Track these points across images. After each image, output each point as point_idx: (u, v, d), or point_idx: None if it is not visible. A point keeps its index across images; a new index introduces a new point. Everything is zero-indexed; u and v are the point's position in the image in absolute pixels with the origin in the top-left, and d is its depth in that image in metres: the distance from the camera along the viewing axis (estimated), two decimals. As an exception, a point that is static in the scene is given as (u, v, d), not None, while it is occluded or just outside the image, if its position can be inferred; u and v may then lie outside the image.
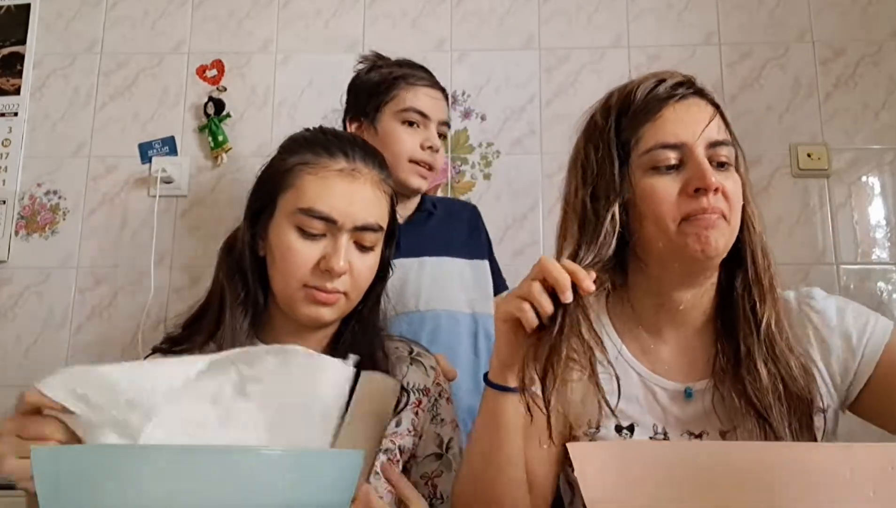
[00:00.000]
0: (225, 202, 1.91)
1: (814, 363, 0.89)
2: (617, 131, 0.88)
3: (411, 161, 1.37)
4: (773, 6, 1.93)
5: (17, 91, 1.99)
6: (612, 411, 0.87)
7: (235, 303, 0.98)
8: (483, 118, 1.93)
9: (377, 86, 1.42)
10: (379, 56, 1.50)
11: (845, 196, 1.84)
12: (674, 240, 0.84)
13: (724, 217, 0.84)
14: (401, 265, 1.28)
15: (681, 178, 0.84)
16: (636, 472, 0.45)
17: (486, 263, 1.50)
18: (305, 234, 0.94)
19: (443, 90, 1.47)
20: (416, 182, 1.38)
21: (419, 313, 1.36)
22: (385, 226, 0.99)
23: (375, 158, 1.00)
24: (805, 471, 0.41)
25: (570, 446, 0.50)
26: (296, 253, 0.93)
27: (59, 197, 1.94)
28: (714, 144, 0.85)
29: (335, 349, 1.00)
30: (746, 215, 0.89)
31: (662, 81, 0.88)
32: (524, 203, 1.87)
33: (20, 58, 2.01)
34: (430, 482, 0.96)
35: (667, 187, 0.85)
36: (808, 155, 1.84)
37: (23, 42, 2.02)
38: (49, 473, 0.55)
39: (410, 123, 1.38)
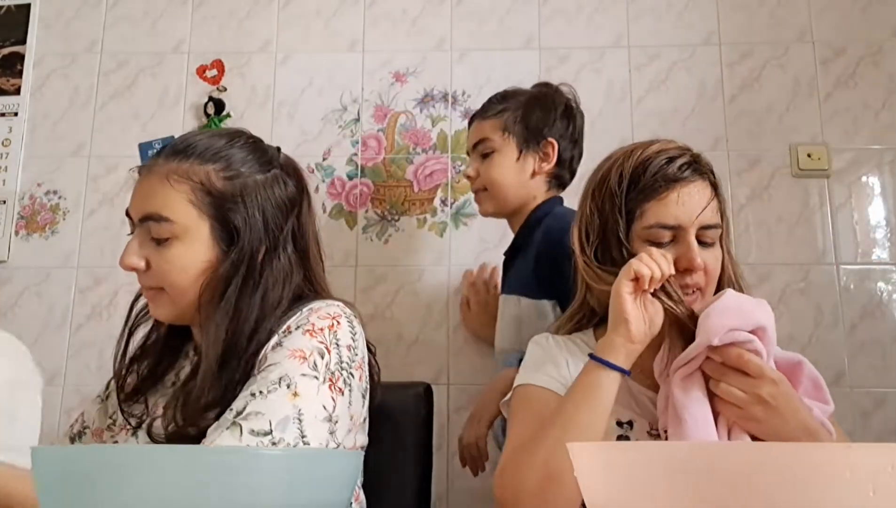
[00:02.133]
0: (225, 202, 1.91)
1: None
2: (625, 199, 0.99)
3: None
4: (773, 6, 1.93)
5: (17, 91, 1.99)
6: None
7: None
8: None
9: None
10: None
11: (845, 196, 1.84)
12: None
13: (701, 290, 0.98)
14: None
15: (671, 253, 0.96)
16: (636, 472, 0.45)
17: (538, 303, 1.40)
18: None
19: (479, 115, 1.54)
20: (480, 211, 1.57)
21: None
22: (183, 218, 0.93)
23: (171, 151, 0.98)
24: (805, 471, 0.41)
25: (569, 446, 0.50)
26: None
27: (59, 197, 1.94)
28: (705, 228, 0.98)
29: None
30: (725, 274, 1.02)
31: (673, 159, 0.99)
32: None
33: (20, 58, 2.01)
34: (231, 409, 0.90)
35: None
36: (808, 155, 1.84)
37: (23, 42, 2.02)
38: (49, 473, 0.55)
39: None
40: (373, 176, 1.92)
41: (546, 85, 1.54)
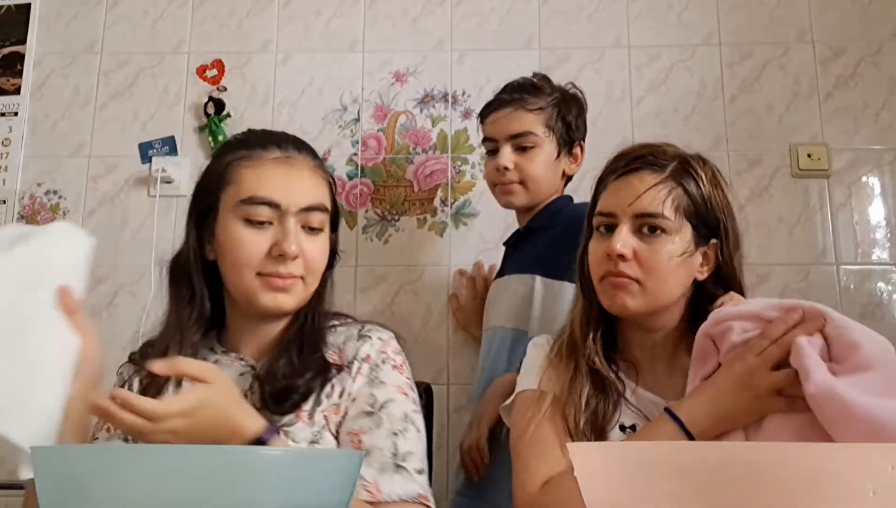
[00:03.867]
0: (225, 202, 1.91)
1: None
2: (594, 200, 1.04)
3: (494, 185, 1.49)
4: (773, 6, 1.93)
5: (17, 91, 1.99)
6: (625, 402, 0.98)
7: (181, 306, 1.01)
8: (483, 118, 1.93)
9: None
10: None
11: (845, 196, 1.84)
12: (599, 295, 1.00)
13: (639, 282, 0.96)
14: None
15: (607, 243, 0.98)
16: (636, 472, 0.45)
17: (556, 283, 1.40)
18: (252, 223, 0.95)
19: (516, 102, 1.46)
20: (501, 201, 1.50)
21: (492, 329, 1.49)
22: (329, 208, 1.01)
23: (307, 147, 1.04)
24: (804, 471, 0.41)
25: (570, 446, 0.50)
26: (245, 243, 0.95)
27: (59, 197, 1.94)
28: (643, 216, 0.96)
29: (289, 340, 1.01)
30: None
31: (625, 155, 1.02)
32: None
33: (20, 57, 2.01)
34: (355, 437, 0.95)
35: (596, 249, 1.00)
36: (808, 155, 1.84)
37: (23, 42, 2.02)
38: (49, 473, 0.55)
39: (490, 153, 1.50)
40: (373, 176, 1.92)
41: (546, 79, 1.52)
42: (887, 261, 1.81)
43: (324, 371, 0.97)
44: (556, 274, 1.38)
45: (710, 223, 0.99)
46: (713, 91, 1.90)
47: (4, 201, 1.93)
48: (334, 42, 2.00)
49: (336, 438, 0.97)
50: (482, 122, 1.52)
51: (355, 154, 1.93)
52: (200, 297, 1.01)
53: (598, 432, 0.96)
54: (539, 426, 0.97)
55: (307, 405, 0.96)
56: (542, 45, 1.96)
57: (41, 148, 1.97)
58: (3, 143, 1.97)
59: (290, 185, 0.97)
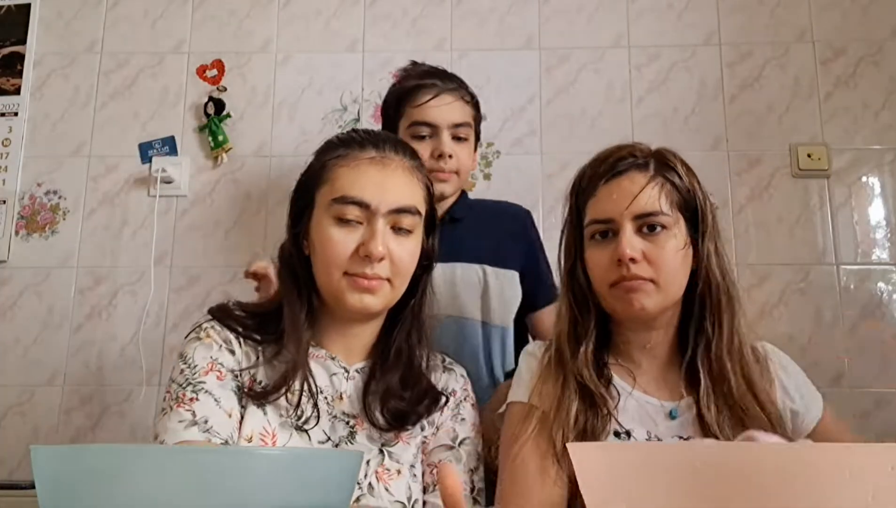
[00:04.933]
0: (225, 202, 1.91)
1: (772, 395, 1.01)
2: (577, 206, 1.03)
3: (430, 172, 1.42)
4: (773, 6, 1.93)
5: (17, 91, 1.99)
6: (615, 417, 0.97)
7: (293, 300, 0.99)
8: (483, 118, 1.92)
9: (389, 107, 1.49)
10: (404, 70, 1.52)
11: (845, 196, 1.84)
12: (608, 302, 0.99)
13: (653, 281, 0.95)
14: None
15: (611, 248, 0.97)
16: (636, 472, 0.45)
17: (513, 274, 1.46)
18: (342, 222, 0.95)
19: (456, 91, 1.44)
20: (437, 188, 1.40)
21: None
22: (423, 211, 1.00)
23: (406, 148, 1.03)
24: (804, 472, 0.41)
25: (570, 446, 0.50)
26: (334, 242, 0.94)
27: (59, 197, 1.94)
28: (642, 216, 0.96)
29: (378, 350, 1.02)
30: (705, 273, 0.99)
31: (605, 159, 1.00)
32: (524, 203, 1.85)
33: (20, 58, 2.01)
34: (435, 470, 1.00)
35: (600, 257, 0.98)
36: (808, 155, 1.84)
37: (23, 42, 2.02)
38: (49, 473, 0.55)
39: (421, 137, 1.42)
40: (373, 176, 1.91)
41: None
42: (887, 261, 1.81)
43: (436, 401, 1.01)
44: (504, 264, 1.45)
45: (694, 212, 0.99)
46: (713, 91, 1.90)
47: (4, 201, 1.93)
48: (334, 42, 2.00)
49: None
50: (410, 104, 1.44)
51: (355, 154, 1.93)
52: (308, 295, 1.00)
53: None
54: (523, 448, 0.96)
55: (414, 429, 1.00)
56: (542, 45, 1.96)
57: (41, 148, 1.97)
58: (3, 143, 1.97)
59: (383, 185, 0.96)
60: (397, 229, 0.96)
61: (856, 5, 1.92)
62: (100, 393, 1.82)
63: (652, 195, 0.96)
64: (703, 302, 0.99)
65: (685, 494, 0.43)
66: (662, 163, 0.99)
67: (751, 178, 1.85)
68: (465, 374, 1.09)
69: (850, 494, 0.40)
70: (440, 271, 1.38)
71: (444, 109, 1.42)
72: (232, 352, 0.96)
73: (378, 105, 1.95)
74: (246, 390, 0.94)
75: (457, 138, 1.43)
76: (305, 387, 0.95)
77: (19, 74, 2.00)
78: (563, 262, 1.05)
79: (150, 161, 1.93)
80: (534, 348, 1.08)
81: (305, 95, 1.97)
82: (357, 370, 1.01)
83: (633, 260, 0.94)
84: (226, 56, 1.99)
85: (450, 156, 1.40)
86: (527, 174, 1.89)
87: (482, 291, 1.43)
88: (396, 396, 0.97)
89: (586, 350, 1.00)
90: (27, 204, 1.94)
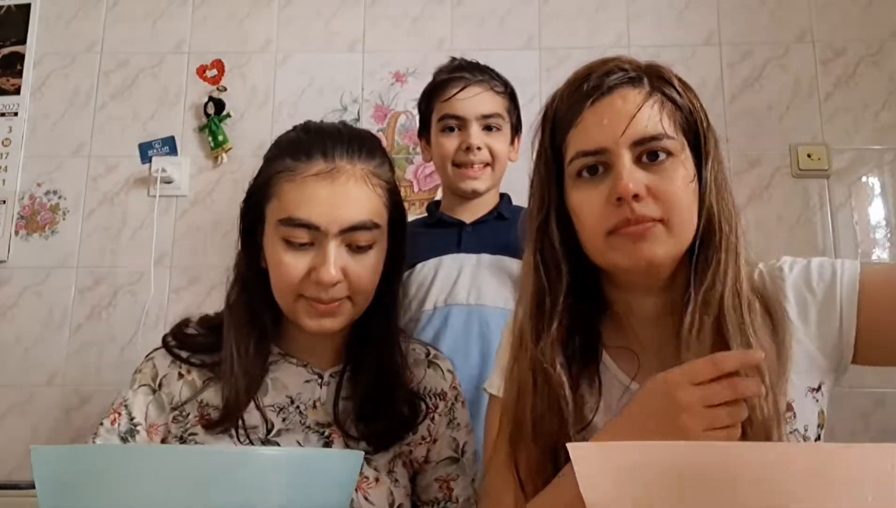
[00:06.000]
0: (225, 202, 1.91)
1: (796, 338, 0.79)
2: (552, 142, 0.82)
3: (454, 165, 1.40)
4: (774, 6, 1.93)
5: (17, 91, 1.99)
6: (588, 425, 0.79)
7: (239, 327, 0.93)
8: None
9: (422, 103, 1.47)
10: (440, 67, 1.48)
11: (845, 196, 1.84)
12: (605, 255, 0.78)
13: (663, 221, 0.75)
14: (457, 260, 1.38)
15: (605, 186, 0.76)
16: (636, 472, 0.45)
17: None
18: (291, 245, 0.88)
19: (484, 82, 1.41)
20: (464, 185, 1.39)
21: (468, 306, 1.36)
22: (383, 220, 0.92)
23: (361, 149, 0.92)
24: (804, 471, 0.41)
25: (570, 446, 0.49)
26: (285, 267, 0.88)
27: (59, 197, 1.94)
28: (641, 142, 0.76)
29: (349, 353, 0.98)
30: (709, 209, 0.79)
31: (587, 75, 0.80)
32: (524, 203, 1.87)
33: (20, 58, 2.01)
34: (444, 484, 0.97)
35: (591, 199, 0.78)
36: (808, 155, 1.84)
37: (23, 42, 2.02)
38: (49, 473, 0.55)
39: (450, 129, 1.40)
40: (373, 176, 1.92)
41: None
42: (887, 261, 1.81)
43: (416, 414, 0.95)
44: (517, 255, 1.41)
45: (696, 137, 0.80)
46: (713, 91, 1.90)
47: (4, 201, 1.93)
48: (334, 42, 2.00)
49: (411, 470, 0.97)
50: (439, 98, 1.41)
51: (355, 154, 1.93)
52: (260, 317, 0.95)
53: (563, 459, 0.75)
54: (497, 452, 0.82)
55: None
56: (542, 45, 1.96)
57: (41, 148, 1.97)
58: (3, 143, 1.97)
59: (332, 202, 0.87)
60: (354, 247, 0.89)
61: (856, 5, 1.92)
62: (100, 393, 1.82)
63: (652, 115, 0.76)
64: (706, 246, 0.78)
65: (685, 494, 0.43)
66: (657, 76, 0.80)
67: (751, 178, 1.85)
68: (451, 368, 1.03)
69: (849, 494, 0.40)
70: (489, 261, 1.39)
71: (472, 102, 1.39)
72: (160, 389, 0.94)
73: (378, 105, 1.96)
74: (198, 420, 0.91)
75: (488, 129, 1.40)
76: (263, 403, 0.92)
77: (19, 74, 2.00)
78: (532, 216, 0.85)
79: (150, 161, 1.93)
80: (512, 320, 0.87)
81: (305, 95, 1.97)
82: (332, 375, 0.97)
83: (636, 197, 0.74)
84: (226, 56, 1.99)
85: (479, 148, 1.37)
86: (527, 174, 1.88)
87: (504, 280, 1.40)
88: (370, 415, 0.92)
89: (557, 335, 0.79)
90: (27, 204, 1.94)
